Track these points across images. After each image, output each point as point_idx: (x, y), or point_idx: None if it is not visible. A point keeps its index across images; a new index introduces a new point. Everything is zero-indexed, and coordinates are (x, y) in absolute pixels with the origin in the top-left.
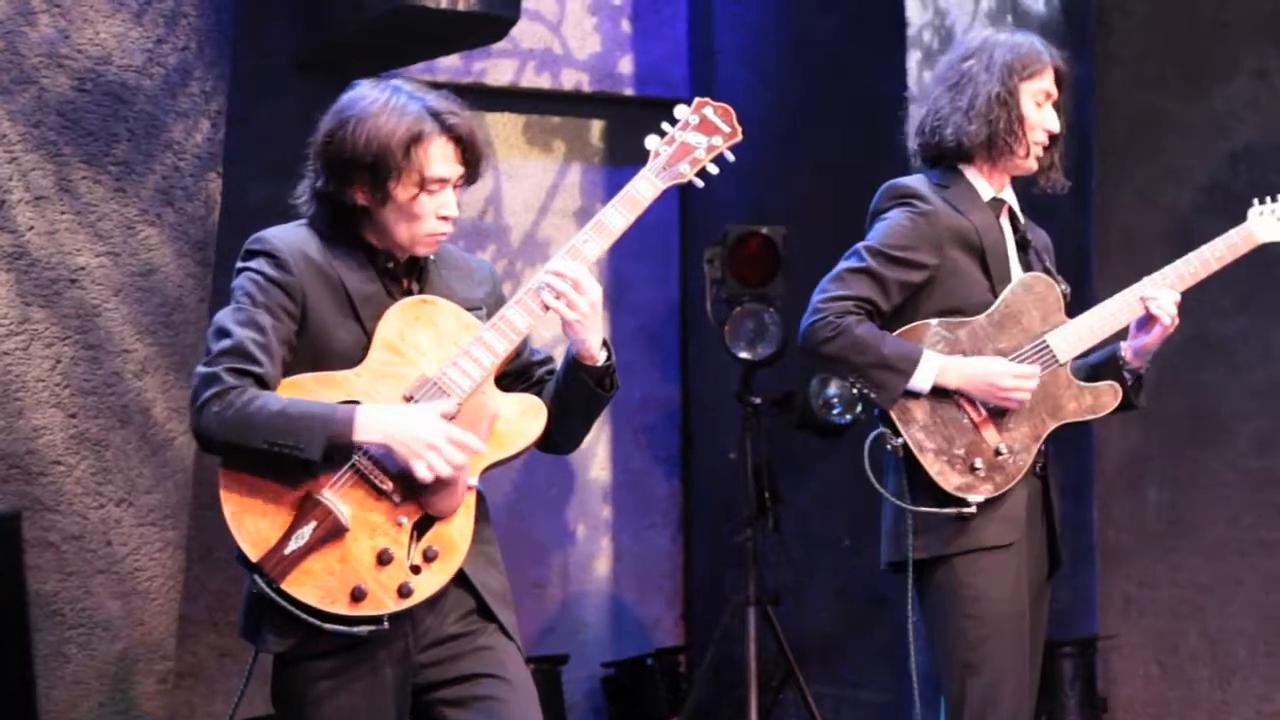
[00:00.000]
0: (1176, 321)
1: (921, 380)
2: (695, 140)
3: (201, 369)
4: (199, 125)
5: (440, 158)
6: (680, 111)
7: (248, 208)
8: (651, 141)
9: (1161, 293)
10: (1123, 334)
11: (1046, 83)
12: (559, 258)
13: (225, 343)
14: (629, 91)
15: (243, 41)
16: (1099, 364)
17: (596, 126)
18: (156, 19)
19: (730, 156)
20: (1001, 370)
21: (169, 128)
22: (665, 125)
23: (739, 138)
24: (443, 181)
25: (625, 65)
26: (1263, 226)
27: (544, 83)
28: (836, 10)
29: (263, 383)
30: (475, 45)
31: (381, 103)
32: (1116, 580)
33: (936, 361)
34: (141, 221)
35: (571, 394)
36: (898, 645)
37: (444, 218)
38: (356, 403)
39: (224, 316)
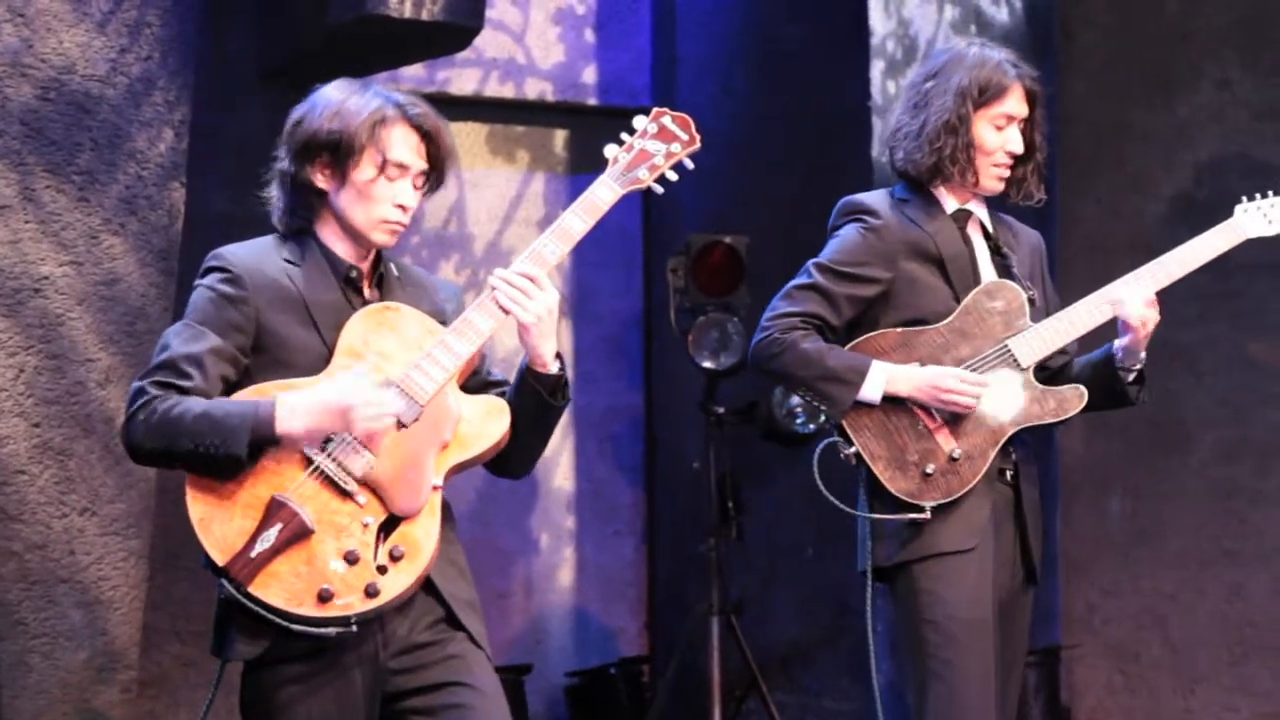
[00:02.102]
0: (1153, 319)
1: (871, 391)
2: (654, 148)
3: (134, 382)
4: (162, 135)
5: (402, 143)
6: (639, 121)
7: (211, 217)
8: (610, 150)
9: (1129, 296)
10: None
11: (1009, 105)
12: (521, 260)
13: (161, 357)
14: (592, 101)
15: (207, 51)
16: (1097, 361)
17: (560, 136)
18: (120, 28)
19: (689, 164)
20: (949, 375)
21: (132, 137)
22: (624, 135)
23: (698, 146)
24: (402, 168)
25: (589, 75)
26: (1248, 222)
27: (507, 92)
28: (800, 20)
29: (188, 396)
30: (439, 54)
31: (350, 91)
32: (1080, 589)
33: (885, 370)
34: (105, 231)
35: (524, 405)
36: (861, 654)
37: (401, 206)
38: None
39: (169, 332)
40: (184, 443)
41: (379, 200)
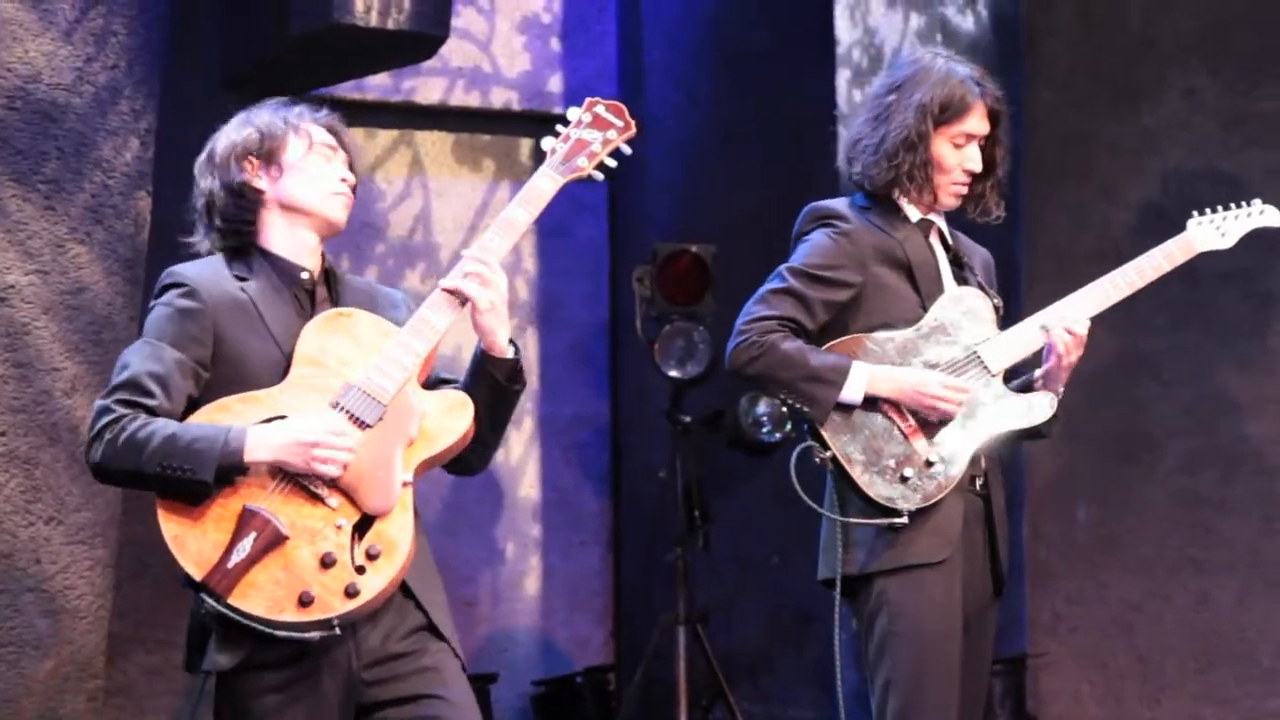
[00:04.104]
0: (1076, 353)
1: (853, 391)
2: (590, 136)
3: (97, 402)
4: (129, 144)
5: (320, 131)
6: (573, 112)
7: (178, 226)
8: (548, 142)
9: (1057, 331)
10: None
11: (970, 124)
12: (467, 255)
13: (123, 376)
14: (558, 109)
15: (173, 60)
16: (1018, 387)
17: (526, 145)
18: (86, 38)
19: (627, 150)
20: (932, 379)
21: (99, 146)
22: (559, 126)
23: (633, 131)
24: (331, 148)
25: (555, 83)
26: (1201, 235)
27: (473, 101)
28: (766, 28)
29: (154, 415)
30: (405, 64)
31: (254, 109)
32: (1046, 598)
33: (867, 371)
34: (71, 240)
35: (480, 394)
36: (827, 663)
37: (343, 179)
38: (281, 417)
39: (129, 351)
40: (151, 466)
41: (321, 173)
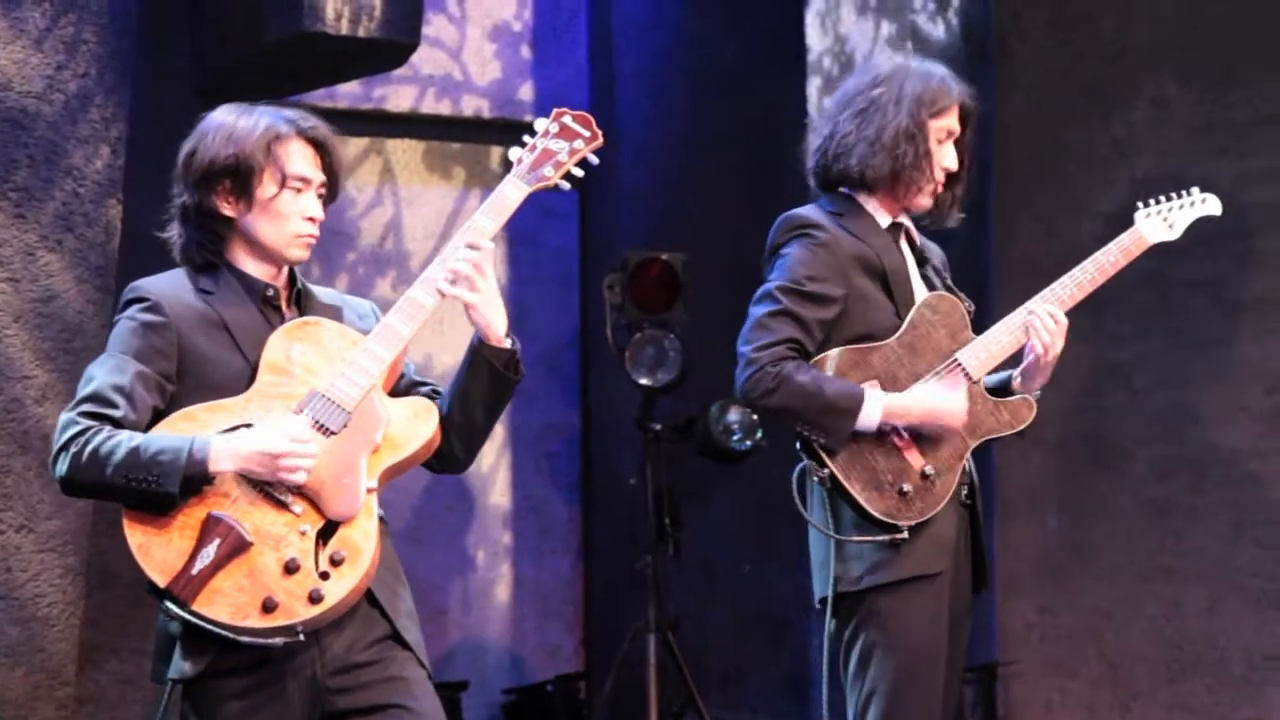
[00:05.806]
0: (1059, 344)
1: (868, 420)
2: (557, 146)
3: (62, 415)
4: (99, 152)
5: (300, 158)
6: (540, 123)
7: (148, 234)
8: (514, 152)
9: (1042, 317)
10: (1019, 358)
11: (950, 121)
12: (436, 264)
13: (86, 389)
14: (529, 118)
15: (144, 68)
16: (994, 388)
17: (496, 153)
18: (57, 45)
19: (594, 160)
20: (933, 396)
21: (69, 154)
22: (526, 136)
23: (600, 142)
24: (304, 181)
25: (525, 91)
26: (1150, 228)
27: (444, 109)
28: (737, 36)
29: (119, 426)
30: (376, 71)
31: (238, 114)
32: (1017, 606)
33: (881, 401)
34: (42, 248)
35: (475, 382)
36: (798, 672)
37: (310, 219)
38: (247, 425)
39: (93, 365)
40: (116, 478)
41: (288, 216)
